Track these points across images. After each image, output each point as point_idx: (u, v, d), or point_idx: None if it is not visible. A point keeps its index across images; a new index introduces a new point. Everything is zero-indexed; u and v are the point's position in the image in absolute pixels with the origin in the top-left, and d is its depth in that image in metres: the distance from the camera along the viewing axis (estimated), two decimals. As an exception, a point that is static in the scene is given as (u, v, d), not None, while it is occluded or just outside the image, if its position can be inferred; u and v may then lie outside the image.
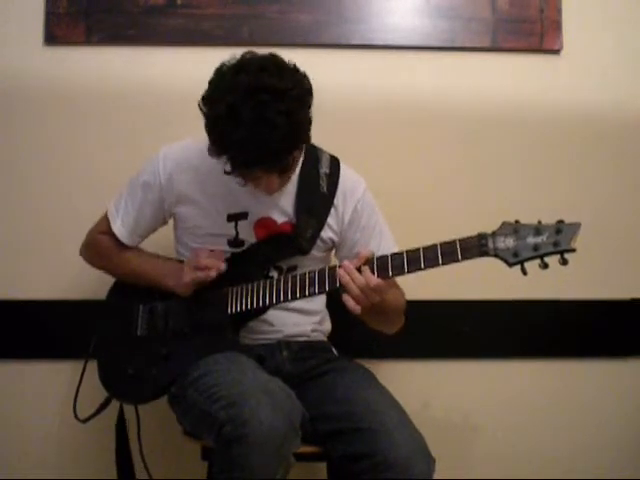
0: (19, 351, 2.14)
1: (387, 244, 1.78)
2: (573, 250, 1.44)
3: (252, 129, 1.49)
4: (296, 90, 1.54)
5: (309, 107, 1.58)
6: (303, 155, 1.78)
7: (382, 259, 1.57)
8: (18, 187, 2.17)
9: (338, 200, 1.79)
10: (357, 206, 1.80)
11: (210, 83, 1.59)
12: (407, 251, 1.55)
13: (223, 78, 1.57)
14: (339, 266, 1.59)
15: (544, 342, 2.26)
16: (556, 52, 2.28)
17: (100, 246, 1.86)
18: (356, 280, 1.55)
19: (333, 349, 1.89)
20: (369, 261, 1.57)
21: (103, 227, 1.85)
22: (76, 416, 1.84)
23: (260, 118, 1.49)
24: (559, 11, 2.26)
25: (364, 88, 2.22)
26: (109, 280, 1.91)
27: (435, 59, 2.25)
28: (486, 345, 2.24)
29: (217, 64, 2.13)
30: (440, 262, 1.51)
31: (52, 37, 2.16)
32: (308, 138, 1.61)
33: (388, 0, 2.24)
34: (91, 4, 2.16)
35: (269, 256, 1.74)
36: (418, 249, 1.53)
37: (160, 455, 1.95)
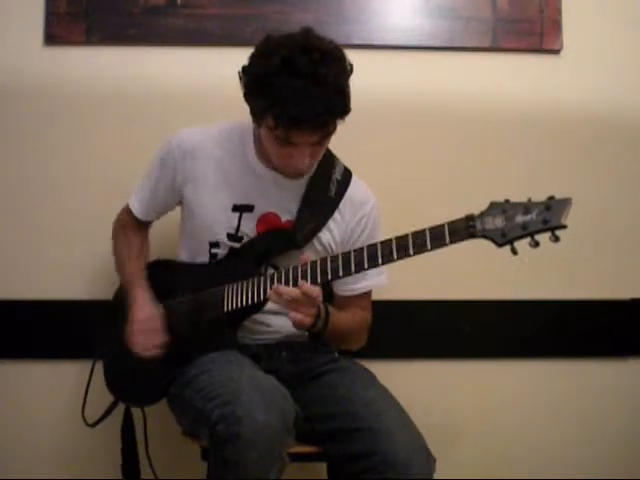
0: (21, 352, 2.14)
1: (373, 272, 1.70)
2: (564, 226, 1.41)
3: (308, 82, 1.52)
4: (341, 58, 1.61)
5: (349, 82, 1.62)
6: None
7: (372, 247, 1.55)
8: (18, 187, 2.17)
9: (345, 206, 1.79)
10: (362, 220, 1.80)
11: (257, 47, 1.61)
12: (396, 237, 1.53)
13: (273, 38, 1.60)
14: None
15: (544, 342, 2.26)
16: (556, 52, 2.28)
17: (119, 223, 1.91)
18: (290, 294, 1.56)
19: (333, 349, 1.88)
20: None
21: (126, 206, 1.89)
22: (85, 421, 1.85)
23: (314, 74, 1.53)
24: (559, 11, 2.26)
25: (364, 88, 2.19)
26: (111, 280, 1.92)
27: (435, 59, 2.25)
28: (486, 345, 2.24)
29: (217, 64, 2.16)
30: (429, 247, 1.48)
31: (52, 37, 2.16)
32: (349, 110, 1.62)
33: (388, 0, 2.24)
34: (91, 4, 2.16)
35: (265, 249, 1.74)
36: (406, 235, 1.52)
37: (160, 455, 1.95)
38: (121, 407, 1.87)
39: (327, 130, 1.60)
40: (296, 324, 1.61)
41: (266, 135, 1.64)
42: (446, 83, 2.26)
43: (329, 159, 1.80)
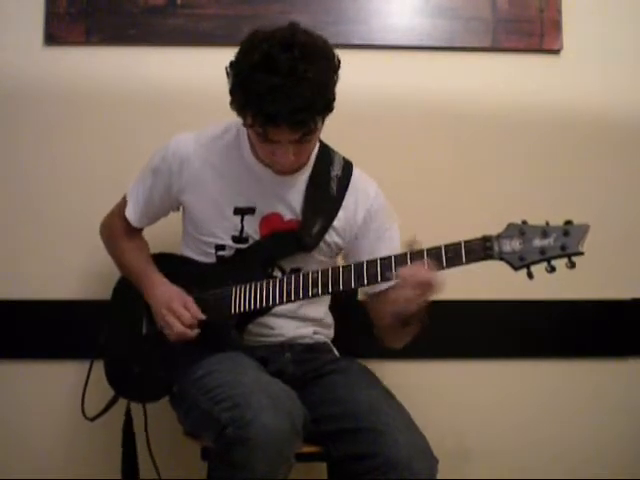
0: (21, 352, 2.14)
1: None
2: (581, 253, 1.41)
3: (286, 79, 1.50)
4: (326, 54, 1.59)
5: (336, 77, 1.60)
6: (316, 155, 1.77)
7: (385, 260, 1.55)
8: (18, 187, 2.17)
9: (348, 202, 1.77)
10: (370, 210, 1.79)
11: (243, 42, 1.60)
12: (411, 253, 1.52)
13: (258, 34, 1.58)
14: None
15: (544, 342, 2.26)
16: (556, 52, 2.28)
17: (112, 228, 1.90)
18: (419, 276, 1.51)
19: (335, 350, 1.88)
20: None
21: (118, 210, 1.88)
22: (84, 414, 1.85)
23: (293, 71, 1.51)
24: (559, 11, 2.26)
25: (364, 88, 2.21)
26: (110, 280, 1.92)
27: (435, 59, 2.25)
28: (486, 345, 2.24)
29: (217, 64, 2.15)
30: (444, 264, 1.48)
31: (52, 37, 2.16)
32: (331, 108, 1.59)
33: (388, 0, 2.24)
34: (91, 4, 2.16)
35: (272, 253, 1.73)
36: (422, 251, 1.51)
37: (160, 455, 1.95)
38: (122, 406, 1.86)
39: (307, 128, 1.57)
40: (406, 304, 1.55)
41: (250, 131, 1.64)
42: (446, 83, 2.26)
43: (326, 155, 1.79)
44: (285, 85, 1.50)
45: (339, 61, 1.62)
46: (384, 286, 1.68)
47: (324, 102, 1.57)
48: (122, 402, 1.86)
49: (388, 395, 1.67)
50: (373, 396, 1.63)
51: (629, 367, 2.29)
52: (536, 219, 1.48)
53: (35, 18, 2.15)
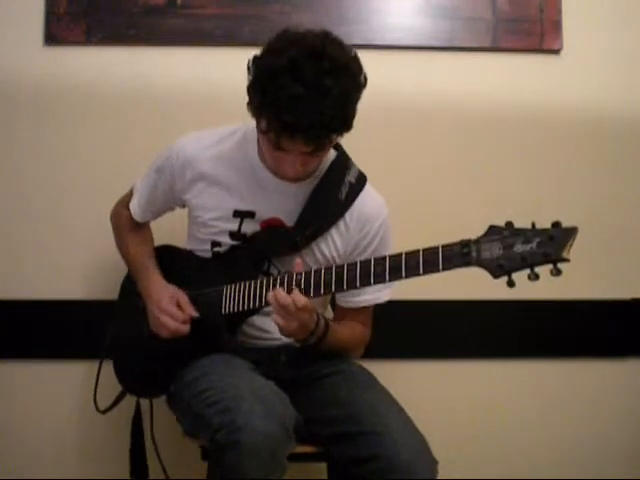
0: (21, 352, 2.14)
1: (376, 287, 1.59)
2: (566, 260, 1.30)
3: (310, 91, 1.46)
4: (354, 70, 1.54)
5: (359, 96, 1.55)
6: (330, 163, 1.73)
7: (365, 264, 1.50)
8: (17, 187, 2.17)
9: (352, 217, 1.73)
10: (368, 235, 1.73)
11: (270, 40, 1.54)
12: (390, 256, 1.47)
13: (288, 35, 1.53)
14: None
15: (544, 342, 2.26)
16: (556, 52, 2.28)
17: (120, 217, 1.90)
18: (283, 300, 1.52)
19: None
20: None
21: (125, 201, 1.88)
22: (97, 408, 1.86)
23: (318, 84, 1.46)
24: (559, 11, 2.26)
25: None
26: (111, 280, 1.92)
27: (435, 59, 2.25)
28: (486, 345, 2.24)
29: (217, 64, 2.17)
30: (421, 271, 1.41)
31: (52, 37, 2.16)
32: (350, 126, 1.56)
33: (388, 0, 2.24)
34: (91, 4, 2.16)
35: (264, 249, 1.71)
36: (400, 254, 1.45)
37: (160, 454, 1.95)
38: (131, 404, 1.87)
39: (322, 143, 1.53)
40: (280, 331, 1.58)
41: (261, 137, 1.61)
42: (446, 83, 2.26)
43: (344, 161, 1.76)
44: (307, 97, 1.45)
45: (366, 78, 1.57)
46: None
47: (344, 120, 1.53)
48: (133, 399, 1.87)
49: (387, 396, 1.66)
50: (373, 398, 1.62)
51: (629, 367, 2.30)
52: (535, 219, 1.46)
53: (35, 18, 2.15)
